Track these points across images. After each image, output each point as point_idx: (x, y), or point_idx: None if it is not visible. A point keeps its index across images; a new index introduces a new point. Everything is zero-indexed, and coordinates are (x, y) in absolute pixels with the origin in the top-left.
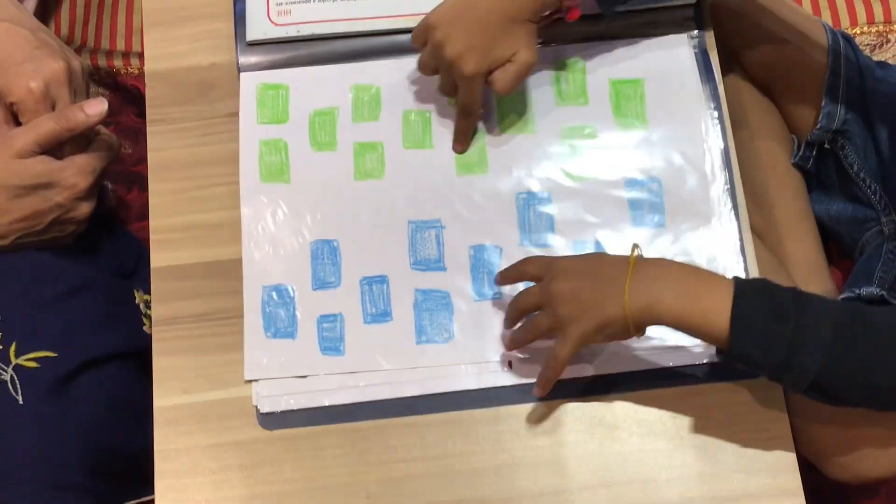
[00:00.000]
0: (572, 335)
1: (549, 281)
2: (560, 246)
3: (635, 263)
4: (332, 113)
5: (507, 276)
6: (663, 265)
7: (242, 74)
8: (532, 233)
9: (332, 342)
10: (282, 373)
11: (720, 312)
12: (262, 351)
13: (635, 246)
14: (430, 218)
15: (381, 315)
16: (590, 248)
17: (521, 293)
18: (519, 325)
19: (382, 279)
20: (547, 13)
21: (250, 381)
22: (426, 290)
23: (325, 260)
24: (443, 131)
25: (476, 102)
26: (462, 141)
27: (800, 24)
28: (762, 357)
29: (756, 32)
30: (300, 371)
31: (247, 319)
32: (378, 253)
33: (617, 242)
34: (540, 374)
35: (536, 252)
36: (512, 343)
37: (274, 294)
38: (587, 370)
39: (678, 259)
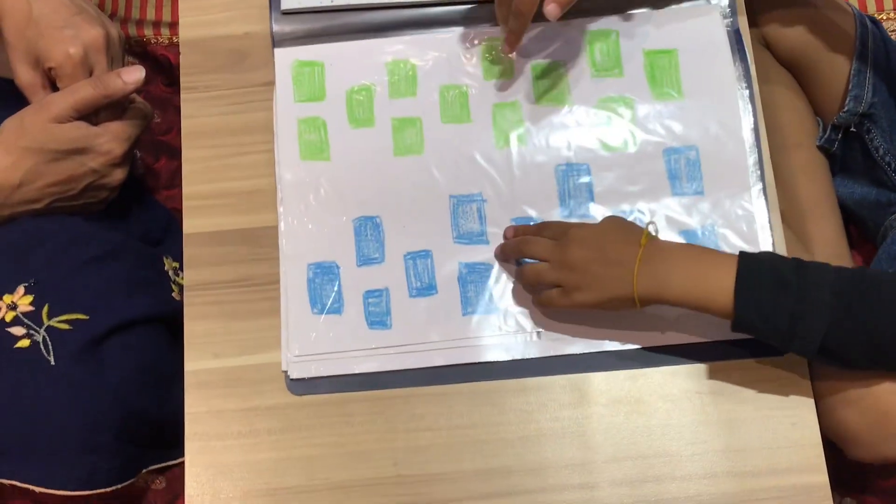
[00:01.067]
0: (575, 299)
1: (564, 245)
2: (600, 216)
3: (645, 245)
4: (369, 89)
5: (520, 230)
6: (672, 249)
7: (277, 51)
8: (572, 204)
9: (378, 316)
10: (330, 348)
11: (724, 288)
12: (309, 327)
13: (651, 223)
14: (471, 192)
15: (426, 289)
16: (630, 219)
17: (532, 240)
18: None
19: (426, 254)
20: None
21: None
22: (470, 263)
23: (369, 236)
24: (480, 105)
25: (531, 4)
26: (512, 43)
27: (828, 8)
28: (767, 326)
29: (785, 14)
30: (349, 346)
31: (291, 298)
32: (420, 228)
33: (657, 211)
34: (536, 300)
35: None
36: (502, 255)
37: (319, 271)
38: (613, 344)
39: (719, 227)
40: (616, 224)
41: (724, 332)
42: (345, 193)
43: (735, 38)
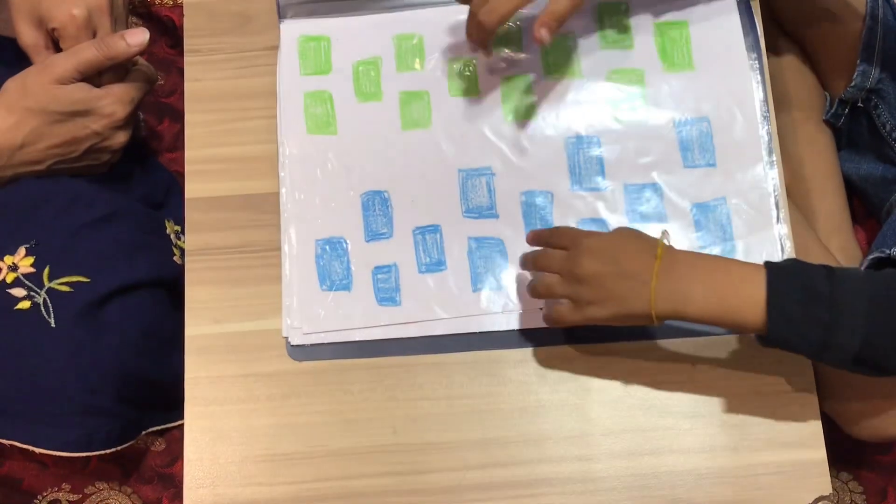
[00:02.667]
0: (587, 314)
1: (575, 257)
2: (611, 189)
3: (662, 257)
4: (376, 62)
5: (540, 237)
6: (691, 261)
7: (283, 24)
8: (582, 177)
9: (388, 293)
10: (340, 325)
11: (754, 304)
12: (318, 304)
13: (664, 233)
14: (480, 165)
15: (435, 264)
16: (641, 191)
17: (543, 253)
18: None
19: (435, 228)
20: None
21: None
22: (479, 237)
23: (377, 211)
24: (489, 78)
25: (496, 21)
26: (483, 52)
27: None
28: (801, 341)
29: None
30: (358, 323)
31: (299, 273)
32: (429, 202)
33: (668, 184)
34: (545, 316)
35: (587, 196)
36: (530, 292)
37: (327, 247)
38: None
39: (731, 199)
40: (629, 235)
41: None
42: (352, 168)
43: (745, 9)
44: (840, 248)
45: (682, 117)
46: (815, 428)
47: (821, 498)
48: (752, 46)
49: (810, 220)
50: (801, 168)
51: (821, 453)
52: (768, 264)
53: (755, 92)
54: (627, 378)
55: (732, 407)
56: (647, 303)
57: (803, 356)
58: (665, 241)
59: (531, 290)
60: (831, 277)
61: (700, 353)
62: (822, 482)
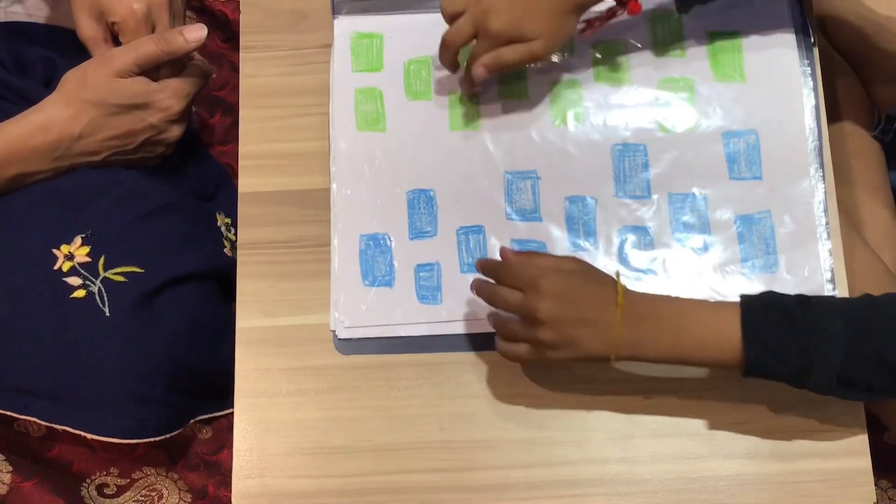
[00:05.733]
0: (545, 356)
1: (534, 301)
2: (655, 197)
3: (623, 304)
4: (427, 62)
5: (487, 269)
6: (652, 305)
7: (336, 21)
8: (627, 184)
9: (429, 291)
10: (380, 321)
11: (729, 336)
12: (359, 299)
13: (618, 274)
14: (526, 168)
15: None
16: (686, 201)
17: (500, 291)
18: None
19: (479, 229)
20: (603, 11)
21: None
22: (522, 240)
23: (422, 210)
24: (539, 82)
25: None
26: (466, 90)
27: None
28: (781, 366)
29: (844, 4)
30: (398, 319)
31: (343, 267)
32: (474, 203)
33: (713, 195)
34: (499, 350)
35: (631, 203)
36: (476, 293)
37: (371, 243)
38: None
39: (775, 213)
40: (587, 276)
41: None
42: (399, 165)
43: (799, 22)
44: (891, 260)
45: (730, 128)
46: (860, 437)
47: None
48: (805, 59)
49: (860, 230)
50: (850, 180)
51: (866, 462)
52: (742, 296)
53: (806, 106)
54: (673, 383)
55: (777, 414)
56: (608, 347)
57: (790, 385)
58: (621, 286)
59: (492, 324)
60: (806, 304)
61: None
62: (867, 491)
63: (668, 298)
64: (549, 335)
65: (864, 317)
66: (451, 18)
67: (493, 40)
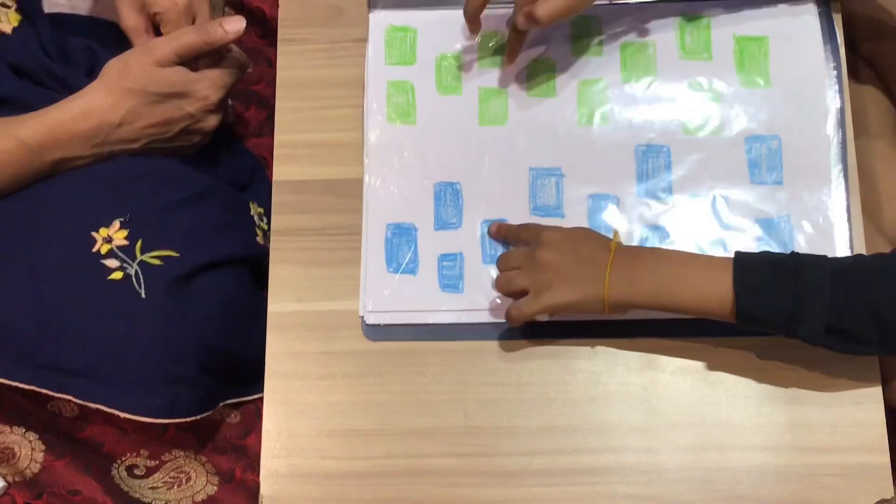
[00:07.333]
0: (544, 300)
1: (535, 248)
2: (677, 199)
3: (617, 249)
4: (459, 57)
5: (502, 231)
6: (646, 254)
7: (372, 14)
8: (649, 184)
9: (451, 280)
10: (402, 307)
11: (720, 283)
12: (383, 285)
13: (616, 233)
14: (551, 165)
15: None
16: (706, 203)
17: (507, 253)
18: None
19: (502, 222)
20: None
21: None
22: None
23: (448, 201)
24: (567, 80)
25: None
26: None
27: None
28: (771, 312)
29: (871, 10)
30: (420, 306)
31: (369, 254)
32: (499, 197)
33: (734, 198)
34: (507, 314)
35: (653, 203)
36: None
37: (398, 231)
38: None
39: (795, 218)
40: (587, 231)
41: None
42: (428, 157)
43: (827, 28)
44: None
45: (753, 133)
46: (880, 432)
47: (882, 501)
48: (832, 66)
49: (885, 234)
50: (874, 183)
51: (884, 458)
52: (737, 251)
53: (831, 112)
54: (694, 373)
55: (798, 407)
56: (602, 288)
57: (781, 336)
58: (618, 240)
59: (494, 284)
60: (796, 256)
61: (768, 352)
62: (885, 486)
63: (662, 249)
64: (548, 276)
65: (854, 270)
66: None
67: None
